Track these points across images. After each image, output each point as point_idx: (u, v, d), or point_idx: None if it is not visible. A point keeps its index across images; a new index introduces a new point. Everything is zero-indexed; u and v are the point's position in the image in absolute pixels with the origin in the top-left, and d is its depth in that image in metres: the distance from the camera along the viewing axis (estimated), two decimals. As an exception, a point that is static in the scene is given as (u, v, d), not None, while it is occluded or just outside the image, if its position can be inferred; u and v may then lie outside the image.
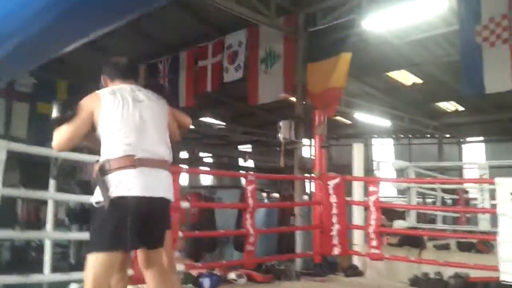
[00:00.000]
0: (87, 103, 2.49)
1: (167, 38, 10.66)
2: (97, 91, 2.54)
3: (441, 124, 14.28)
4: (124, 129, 2.41)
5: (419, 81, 11.48)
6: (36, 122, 11.86)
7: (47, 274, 3.56)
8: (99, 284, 2.28)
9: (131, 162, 2.33)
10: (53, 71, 12.48)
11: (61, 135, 2.46)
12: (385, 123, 13.19)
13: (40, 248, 9.37)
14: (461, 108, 13.65)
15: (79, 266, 3.69)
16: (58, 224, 7.62)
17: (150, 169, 2.37)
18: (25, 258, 9.64)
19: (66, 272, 3.90)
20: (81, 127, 2.45)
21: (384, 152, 17.46)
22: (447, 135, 15.46)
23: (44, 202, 9.90)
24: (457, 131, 15.44)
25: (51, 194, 3.95)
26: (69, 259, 9.33)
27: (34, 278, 3.43)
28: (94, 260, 2.29)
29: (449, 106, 13.66)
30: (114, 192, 2.29)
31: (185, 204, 4.48)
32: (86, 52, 11.73)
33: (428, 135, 15.09)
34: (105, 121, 2.42)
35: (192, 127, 14.95)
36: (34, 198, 10.23)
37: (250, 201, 4.77)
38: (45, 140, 3.92)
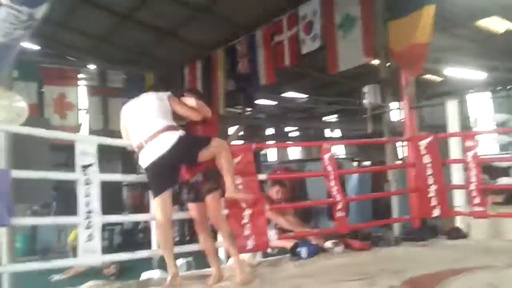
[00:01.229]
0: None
1: (241, 18, 10.71)
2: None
3: (545, 70, 12.94)
4: (133, 128, 3.55)
5: (514, 26, 10.46)
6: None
7: (153, 250, 3.81)
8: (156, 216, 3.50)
9: (141, 146, 3.43)
10: (140, 64, 13.19)
11: None
12: (480, 76, 12.26)
13: (147, 229, 10.07)
14: None
15: (183, 243, 3.91)
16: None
17: (151, 142, 3.38)
18: (134, 240, 10.40)
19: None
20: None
21: (482, 107, 16.25)
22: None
23: (148, 189, 10.57)
24: None
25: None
26: (170, 220, 9.87)
27: (140, 254, 3.72)
28: None
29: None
30: (144, 165, 3.46)
31: (261, 176, 4.57)
32: (168, 44, 12.24)
33: (530, 84, 13.77)
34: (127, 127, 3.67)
35: (275, 103, 15.15)
36: (137, 185, 11.05)
37: (329, 168, 4.70)
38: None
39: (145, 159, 3.41)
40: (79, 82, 12.46)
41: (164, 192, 3.42)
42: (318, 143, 5.16)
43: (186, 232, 9.60)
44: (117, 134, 4.16)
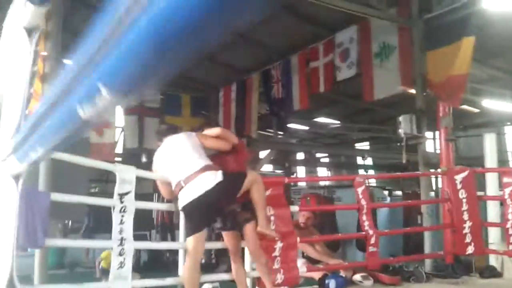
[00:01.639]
0: None
1: (278, 43, 10.84)
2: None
3: None
4: (169, 170, 3.63)
5: (554, 59, 10.20)
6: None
7: (181, 277, 3.83)
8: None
9: (180, 186, 3.49)
10: (177, 86, 13.45)
11: None
12: (519, 108, 11.93)
13: (174, 250, 10.12)
14: None
15: (209, 265, 3.97)
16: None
17: (190, 182, 3.42)
18: (161, 259, 10.44)
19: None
20: None
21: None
22: None
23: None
24: None
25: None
26: (200, 261, 9.91)
27: (169, 281, 3.74)
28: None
29: None
30: (182, 204, 3.51)
31: (293, 208, 4.56)
32: (206, 67, 12.47)
33: None
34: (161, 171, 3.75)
35: (306, 128, 15.17)
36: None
37: (363, 202, 4.65)
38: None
39: (184, 199, 3.45)
40: (117, 101, 12.77)
41: (200, 231, 3.45)
42: (352, 177, 5.13)
43: (212, 254, 9.63)
44: (151, 153, 4.25)
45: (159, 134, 3.93)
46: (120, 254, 3.31)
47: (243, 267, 3.81)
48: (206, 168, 3.46)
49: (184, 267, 3.51)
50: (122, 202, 3.44)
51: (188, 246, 3.45)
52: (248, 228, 3.66)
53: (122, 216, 3.41)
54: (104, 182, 13.18)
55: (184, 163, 3.51)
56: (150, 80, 1.18)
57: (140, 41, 0.89)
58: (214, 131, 3.88)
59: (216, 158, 3.77)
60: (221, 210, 3.60)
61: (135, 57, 0.98)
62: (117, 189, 3.49)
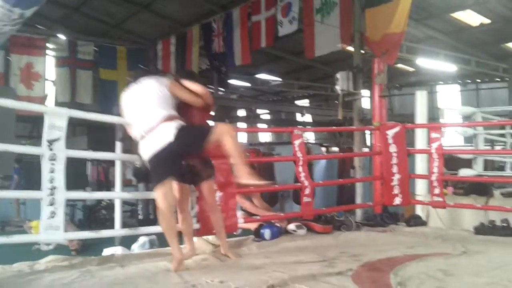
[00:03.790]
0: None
1: (219, -4, 10.60)
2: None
3: (512, 66, 13.30)
4: (133, 117, 3.42)
5: (487, 21, 10.70)
6: (100, 88, 12.35)
7: (117, 229, 3.76)
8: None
9: (142, 136, 3.32)
10: (112, 38, 12.88)
11: None
12: (451, 68, 12.52)
13: (110, 206, 9.96)
14: (534, 48, 12.63)
15: (147, 221, 3.88)
16: (126, 184, 8.03)
17: (152, 133, 3.27)
18: (96, 216, 10.31)
19: (135, 227, 4.14)
20: None
21: (450, 99, 16.66)
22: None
23: (112, 164, 10.44)
24: (530, 73, 14.30)
25: (117, 155, 4.12)
26: (137, 216, 9.86)
27: (105, 233, 3.66)
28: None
29: (520, 46, 12.65)
30: (146, 155, 3.32)
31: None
32: (142, 17, 11.98)
33: (498, 79, 14.15)
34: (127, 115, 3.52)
35: (248, 84, 15.15)
36: (102, 160, 10.89)
37: (299, 154, 4.75)
38: (110, 104, 4.07)
39: (147, 151, 3.31)
40: (47, 52, 12.06)
41: (165, 180, 3.29)
42: (290, 129, 5.17)
43: (150, 210, 9.60)
44: (85, 108, 4.04)
45: (133, 78, 3.63)
46: (51, 204, 3.17)
47: (190, 218, 3.79)
48: (167, 119, 3.29)
49: (158, 219, 3.31)
50: (51, 150, 3.21)
51: (156, 196, 3.27)
52: (208, 183, 3.64)
53: (53, 164, 3.22)
54: (35, 138, 12.62)
55: (146, 113, 3.33)
56: None
57: None
58: (196, 87, 3.60)
59: (183, 108, 3.59)
60: (184, 159, 3.45)
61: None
62: (46, 135, 3.24)
